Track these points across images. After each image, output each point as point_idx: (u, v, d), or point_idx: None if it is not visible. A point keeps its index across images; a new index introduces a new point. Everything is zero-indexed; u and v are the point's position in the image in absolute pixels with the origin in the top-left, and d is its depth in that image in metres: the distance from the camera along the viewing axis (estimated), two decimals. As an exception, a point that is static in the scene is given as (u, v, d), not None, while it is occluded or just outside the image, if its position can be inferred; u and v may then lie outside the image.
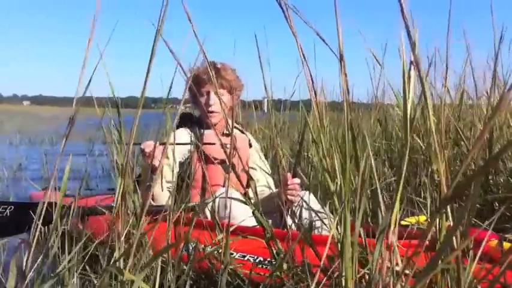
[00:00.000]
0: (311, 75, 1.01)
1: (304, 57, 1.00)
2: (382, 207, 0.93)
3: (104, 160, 5.19)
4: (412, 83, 0.91)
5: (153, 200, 1.84)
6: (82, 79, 1.07)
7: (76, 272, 1.23)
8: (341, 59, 1.01)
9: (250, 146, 2.16)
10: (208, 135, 1.93)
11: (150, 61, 1.03)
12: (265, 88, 1.94)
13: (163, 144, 1.79)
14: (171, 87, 1.27)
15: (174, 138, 1.81)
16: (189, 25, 1.11)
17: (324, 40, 1.04)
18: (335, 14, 0.96)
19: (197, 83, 1.97)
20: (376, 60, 1.05)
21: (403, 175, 0.82)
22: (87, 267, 1.31)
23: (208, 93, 2.00)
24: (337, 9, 0.96)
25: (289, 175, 1.81)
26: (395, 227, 0.82)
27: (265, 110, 3.14)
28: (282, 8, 0.99)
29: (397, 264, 0.87)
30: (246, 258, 1.44)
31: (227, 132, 2.08)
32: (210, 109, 1.98)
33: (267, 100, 2.98)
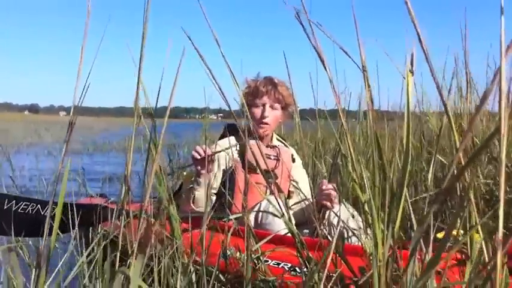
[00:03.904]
0: (335, 91, 1.03)
1: (331, 80, 1.02)
2: (414, 223, 0.93)
3: (139, 169, 5.30)
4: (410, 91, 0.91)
5: (193, 203, 1.91)
6: (78, 88, 1.08)
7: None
8: (364, 70, 1.02)
9: (294, 160, 2.19)
10: (253, 145, 1.96)
11: (139, 71, 1.07)
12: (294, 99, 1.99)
13: (214, 153, 1.86)
14: (157, 97, 1.28)
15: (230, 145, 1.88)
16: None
17: (347, 53, 1.05)
18: (355, 28, 0.97)
19: (253, 94, 2.04)
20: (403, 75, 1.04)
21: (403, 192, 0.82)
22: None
23: (264, 105, 2.05)
24: (357, 23, 0.97)
25: (324, 181, 1.84)
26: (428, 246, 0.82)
27: (297, 119, 3.15)
28: (302, 26, 1.00)
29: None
30: (280, 266, 1.47)
31: (272, 144, 2.13)
32: (263, 121, 2.04)
33: (298, 110, 3.00)
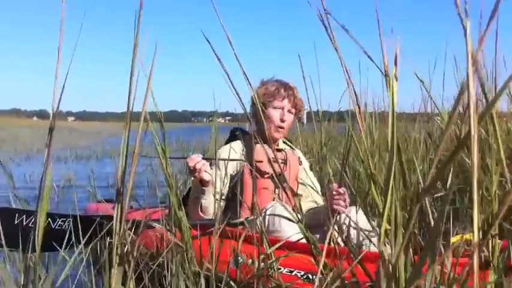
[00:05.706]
0: (355, 94, 1.01)
1: (350, 78, 0.99)
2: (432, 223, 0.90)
3: (148, 174, 5.30)
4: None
5: (201, 211, 1.87)
6: (56, 91, 1.09)
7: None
8: (386, 74, 1.00)
9: (300, 163, 2.17)
10: (260, 149, 1.93)
11: (131, 78, 1.05)
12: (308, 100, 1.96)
13: (208, 159, 1.83)
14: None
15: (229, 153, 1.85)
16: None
17: (370, 58, 1.03)
18: (379, 33, 0.95)
19: (273, 96, 2.02)
20: (420, 80, 1.02)
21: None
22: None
23: (283, 108, 2.04)
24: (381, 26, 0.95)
25: (335, 185, 1.81)
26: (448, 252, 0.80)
27: (304, 122, 3.13)
28: (325, 28, 0.99)
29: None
30: (293, 274, 1.44)
31: (279, 147, 2.11)
32: (281, 125, 2.02)
33: (307, 112, 2.98)
